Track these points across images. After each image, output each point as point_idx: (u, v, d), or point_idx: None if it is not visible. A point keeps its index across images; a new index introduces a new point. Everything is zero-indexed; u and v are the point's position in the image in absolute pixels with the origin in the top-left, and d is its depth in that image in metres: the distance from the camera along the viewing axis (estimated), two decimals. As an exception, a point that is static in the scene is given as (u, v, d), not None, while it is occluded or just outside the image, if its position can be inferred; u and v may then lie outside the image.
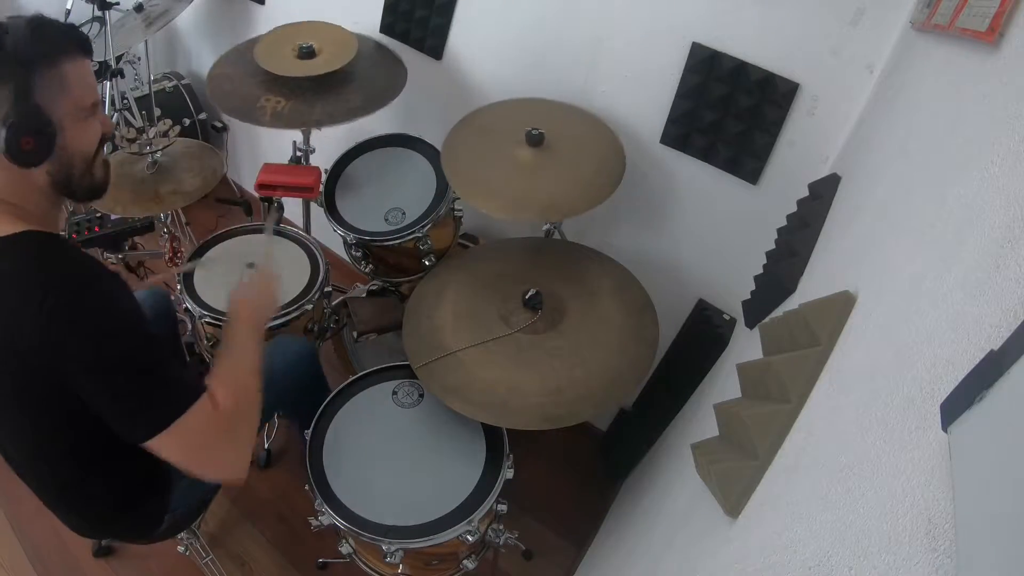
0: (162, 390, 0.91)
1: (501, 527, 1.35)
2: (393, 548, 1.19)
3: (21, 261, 0.88)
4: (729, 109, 1.37)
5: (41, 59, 0.86)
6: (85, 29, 2.25)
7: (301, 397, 1.42)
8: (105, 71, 2.07)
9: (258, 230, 1.75)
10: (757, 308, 1.15)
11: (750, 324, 1.18)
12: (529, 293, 1.34)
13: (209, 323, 1.56)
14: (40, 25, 0.87)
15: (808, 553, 0.51)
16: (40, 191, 0.93)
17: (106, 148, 1.02)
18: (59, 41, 0.88)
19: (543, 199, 1.35)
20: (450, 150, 1.48)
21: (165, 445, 0.89)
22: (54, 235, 0.94)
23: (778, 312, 1.02)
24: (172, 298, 1.64)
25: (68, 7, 2.26)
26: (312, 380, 1.51)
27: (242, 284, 1.19)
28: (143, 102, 2.34)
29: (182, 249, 1.89)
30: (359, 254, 1.71)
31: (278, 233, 1.75)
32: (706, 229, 1.57)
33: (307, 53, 1.64)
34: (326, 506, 1.22)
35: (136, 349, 0.90)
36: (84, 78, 0.92)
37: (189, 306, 1.56)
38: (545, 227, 1.63)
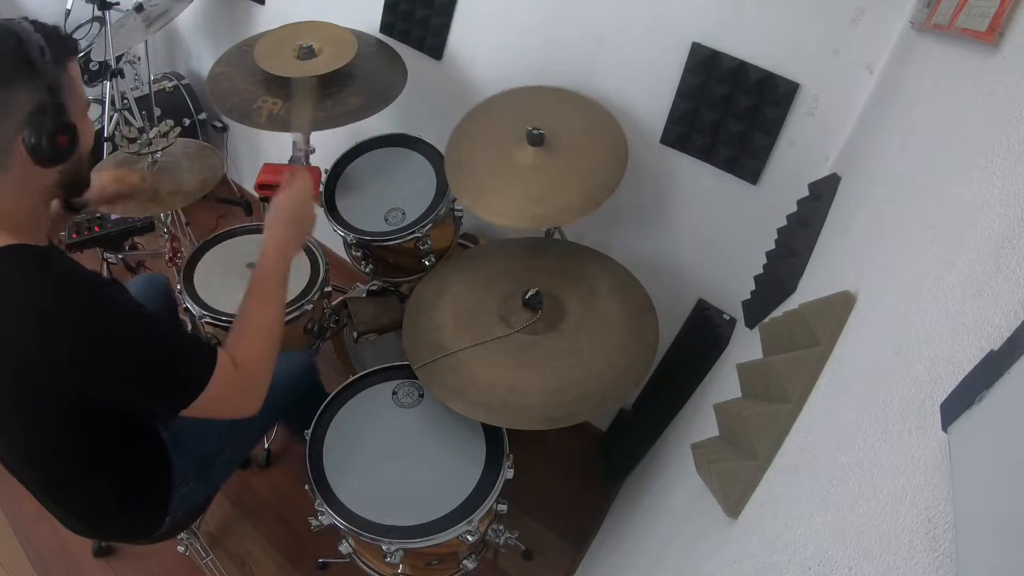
0: (182, 373, 0.96)
1: (501, 527, 1.35)
2: (393, 548, 1.19)
3: (15, 278, 0.86)
4: (729, 109, 1.37)
5: (62, 61, 0.89)
6: (85, 29, 2.27)
7: (302, 411, 1.41)
8: (105, 71, 2.07)
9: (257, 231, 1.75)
10: (757, 308, 1.15)
11: (750, 324, 1.18)
12: (529, 293, 1.33)
13: (209, 323, 1.56)
14: (49, 29, 0.90)
15: (808, 553, 0.51)
16: (40, 194, 0.93)
17: (106, 148, 1.03)
18: (66, 43, 0.92)
19: (547, 206, 1.36)
20: (453, 162, 1.48)
21: (193, 411, 0.97)
22: (44, 249, 0.92)
23: (778, 312, 1.01)
24: (167, 283, 1.63)
25: (68, 7, 2.26)
26: (311, 392, 1.51)
27: (278, 200, 1.23)
28: (143, 102, 2.34)
29: (182, 249, 1.88)
30: (359, 254, 1.71)
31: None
32: (706, 229, 1.57)
33: (307, 53, 1.64)
34: (326, 506, 1.22)
35: (149, 346, 0.93)
36: (80, 78, 0.95)
37: (190, 307, 1.56)
38: (545, 227, 1.64)
